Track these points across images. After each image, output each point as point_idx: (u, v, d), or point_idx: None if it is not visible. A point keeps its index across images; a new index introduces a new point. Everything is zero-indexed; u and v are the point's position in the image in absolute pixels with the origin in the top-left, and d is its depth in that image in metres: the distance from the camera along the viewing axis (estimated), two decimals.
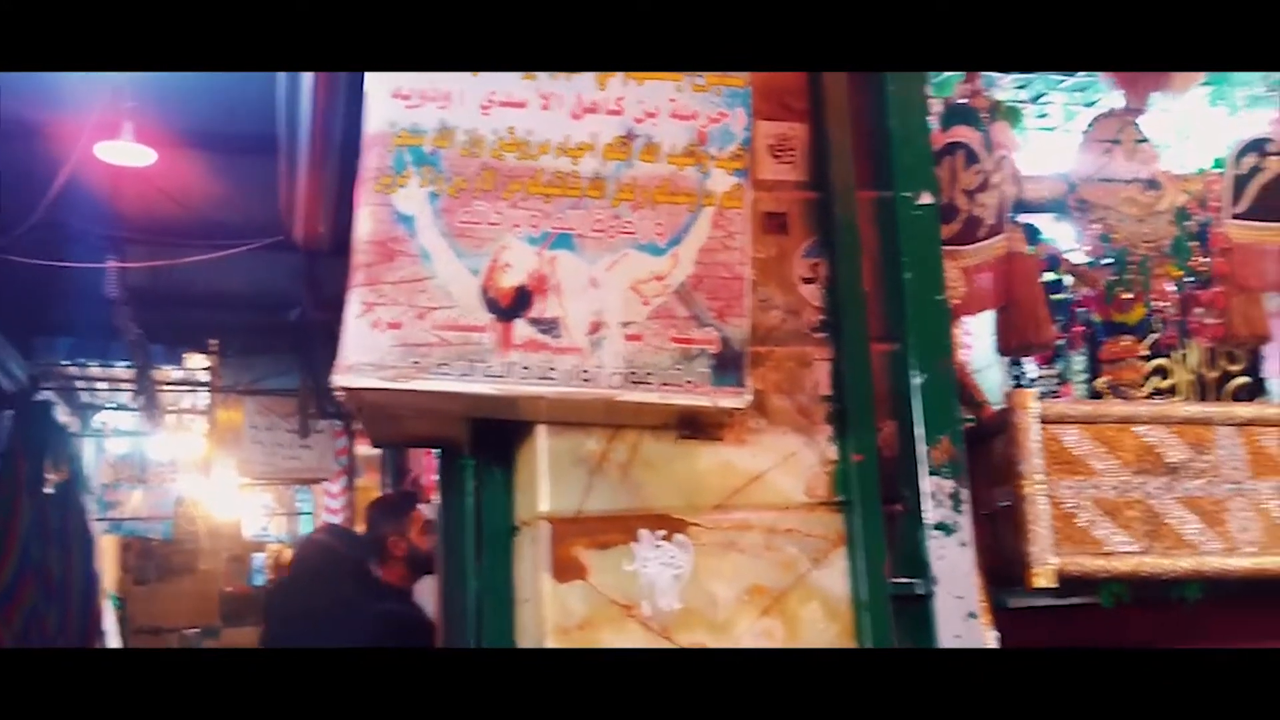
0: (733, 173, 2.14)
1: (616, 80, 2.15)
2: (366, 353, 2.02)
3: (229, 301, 7.35)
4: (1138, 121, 3.01)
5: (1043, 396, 3.73)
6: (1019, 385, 4.86)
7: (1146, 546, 2.44)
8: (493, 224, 2.07)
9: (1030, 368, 4.24)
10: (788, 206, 2.41)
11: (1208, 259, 2.96)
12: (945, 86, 3.41)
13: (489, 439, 2.44)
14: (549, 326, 2.04)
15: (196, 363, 10.60)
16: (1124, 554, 2.44)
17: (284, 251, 6.01)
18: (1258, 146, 2.95)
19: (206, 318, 8.02)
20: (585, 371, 2.04)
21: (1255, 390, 3.82)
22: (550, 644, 2.14)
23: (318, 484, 11.50)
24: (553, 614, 2.15)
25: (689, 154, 2.14)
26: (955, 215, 2.83)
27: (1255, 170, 2.94)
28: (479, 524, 2.52)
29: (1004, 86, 3.71)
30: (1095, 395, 3.18)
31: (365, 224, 2.08)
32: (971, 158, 2.81)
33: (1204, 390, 4.23)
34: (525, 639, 2.33)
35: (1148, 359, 4.23)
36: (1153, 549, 2.44)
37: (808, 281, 2.38)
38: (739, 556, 2.24)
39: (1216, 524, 2.47)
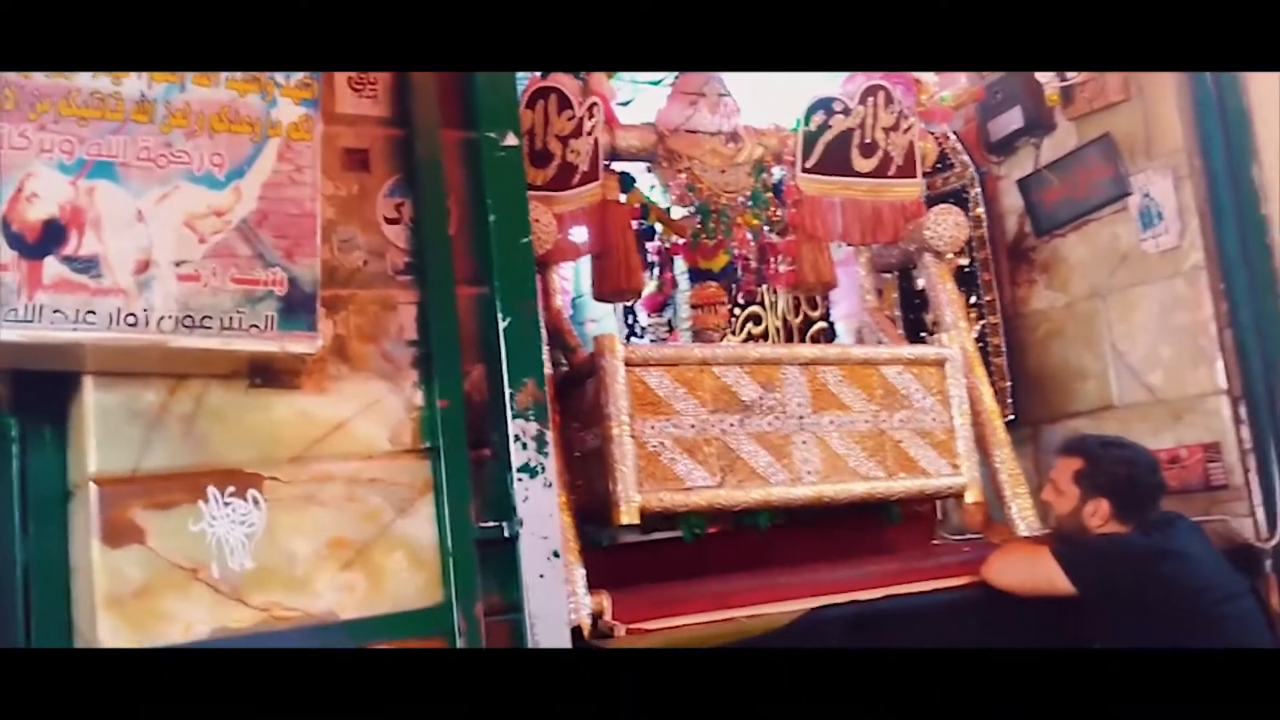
0: (300, 102, 2.00)
1: None
2: None
3: None
4: (720, 75, 3.14)
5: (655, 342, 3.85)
6: (632, 335, 5.04)
7: (721, 480, 2.58)
8: (16, 148, 1.81)
9: (641, 316, 4.39)
10: (369, 143, 2.30)
11: (783, 210, 3.14)
12: None
13: (34, 394, 2.17)
14: (87, 265, 1.82)
15: None
16: (702, 488, 2.56)
17: None
18: (825, 105, 3.15)
19: None
20: (131, 315, 1.84)
21: (831, 334, 4.17)
22: (102, 615, 1.95)
23: None
24: (104, 582, 1.96)
25: (251, 79, 1.98)
26: (550, 161, 2.83)
27: (823, 128, 3.15)
28: (25, 490, 2.24)
29: None
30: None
31: None
32: (564, 102, 2.81)
33: (790, 334, 4.58)
34: (79, 611, 2.11)
35: (740, 306, 4.52)
36: (727, 482, 2.58)
37: (391, 222, 2.29)
38: (319, 509, 2.14)
39: (783, 456, 2.65)
